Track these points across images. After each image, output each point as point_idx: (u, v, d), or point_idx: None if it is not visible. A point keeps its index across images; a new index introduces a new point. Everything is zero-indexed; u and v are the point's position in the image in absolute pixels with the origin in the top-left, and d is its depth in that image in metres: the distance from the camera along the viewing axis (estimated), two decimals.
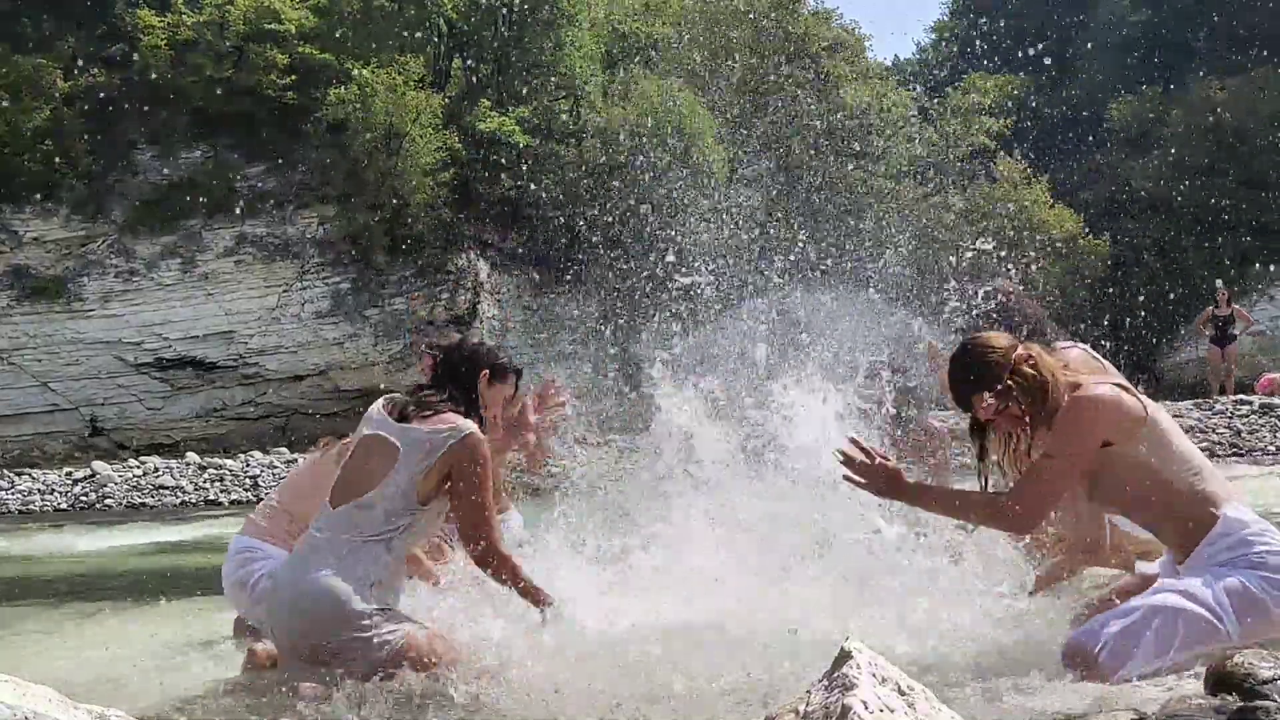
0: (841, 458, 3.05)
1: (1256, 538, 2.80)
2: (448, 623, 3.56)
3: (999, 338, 3.04)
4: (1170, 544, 2.97)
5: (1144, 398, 2.91)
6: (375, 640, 2.96)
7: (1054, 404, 2.92)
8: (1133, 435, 2.84)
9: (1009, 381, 2.92)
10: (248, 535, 4.25)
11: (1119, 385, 2.90)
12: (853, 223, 30.75)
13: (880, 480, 3.03)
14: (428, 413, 3.20)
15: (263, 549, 4.09)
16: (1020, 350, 2.96)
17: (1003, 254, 27.50)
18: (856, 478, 3.05)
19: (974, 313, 4.19)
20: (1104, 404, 2.85)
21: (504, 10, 28.66)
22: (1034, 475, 2.90)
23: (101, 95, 24.21)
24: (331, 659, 2.95)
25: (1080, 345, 3.87)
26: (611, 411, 26.08)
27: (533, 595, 3.28)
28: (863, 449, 3.05)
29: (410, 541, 3.18)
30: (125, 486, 17.22)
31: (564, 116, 29.82)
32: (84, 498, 16.88)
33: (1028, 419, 2.96)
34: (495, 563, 3.21)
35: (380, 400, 3.36)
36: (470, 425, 3.19)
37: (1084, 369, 3.64)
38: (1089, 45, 39.42)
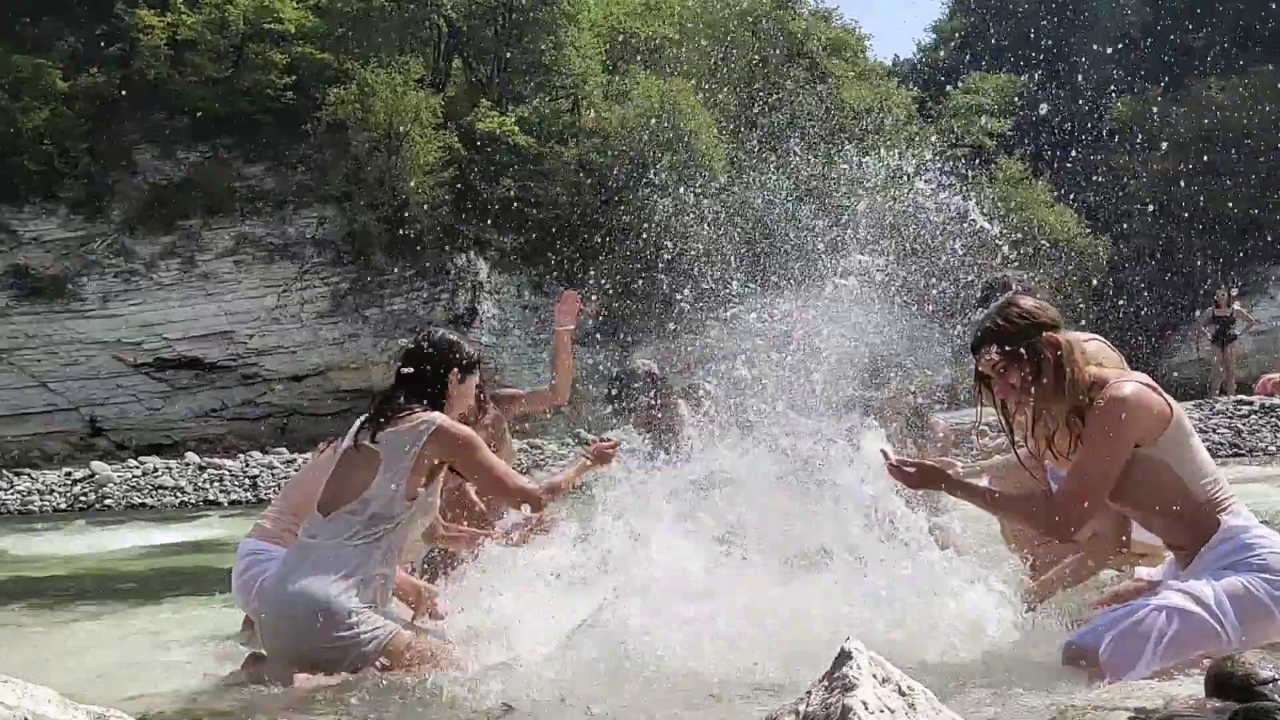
0: (883, 459, 3.08)
1: (1257, 541, 2.80)
2: (445, 622, 3.56)
3: (1043, 309, 2.98)
4: (1175, 548, 2.96)
5: (1169, 397, 2.88)
6: (362, 637, 2.98)
7: (1071, 399, 2.89)
8: (1156, 437, 2.83)
9: (1022, 350, 2.90)
10: (255, 538, 4.25)
11: (1145, 384, 2.87)
12: (852, 224, 30.75)
13: (920, 475, 3.04)
14: (402, 414, 3.30)
15: (269, 551, 4.10)
16: (1056, 334, 2.91)
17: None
18: (898, 475, 3.07)
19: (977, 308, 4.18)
20: (1132, 404, 2.82)
21: (504, 10, 28.67)
22: (1072, 482, 2.87)
23: (101, 95, 24.23)
24: (320, 661, 2.96)
25: (1098, 338, 3.82)
26: (610, 411, 26.06)
27: (572, 482, 3.72)
28: (895, 458, 3.08)
29: (399, 541, 3.18)
30: (124, 487, 17.23)
31: (564, 116, 29.82)
32: (83, 498, 16.88)
33: (1029, 394, 2.93)
34: (537, 502, 3.46)
35: (359, 419, 3.49)
36: (437, 415, 3.32)
37: (1107, 362, 3.65)
38: (1089, 45, 39.42)
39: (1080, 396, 2.86)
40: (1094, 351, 3.55)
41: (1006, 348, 2.91)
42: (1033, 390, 2.90)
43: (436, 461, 3.27)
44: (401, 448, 3.19)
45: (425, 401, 3.34)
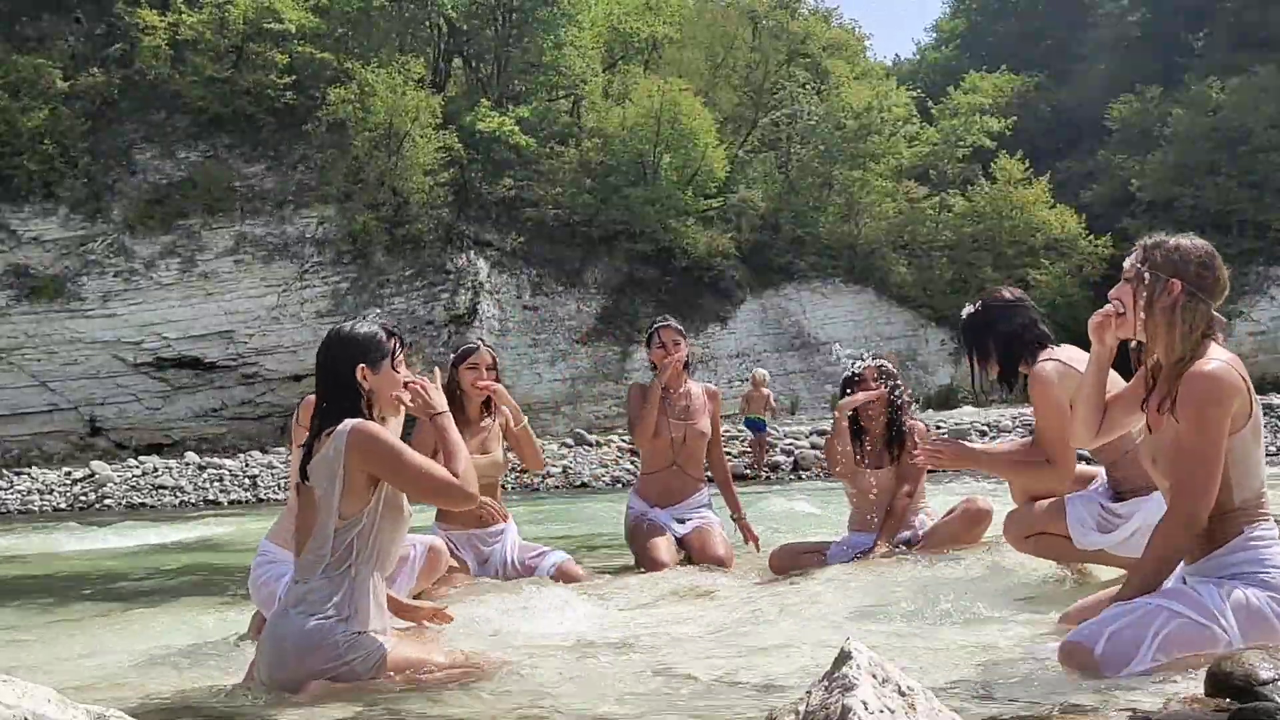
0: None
1: (1270, 557, 2.77)
2: (444, 630, 3.56)
3: (1195, 263, 2.93)
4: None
5: (1250, 389, 2.84)
6: (354, 664, 2.97)
7: (1166, 352, 2.90)
8: (1231, 430, 2.80)
9: (1146, 275, 2.93)
10: (268, 538, 4.28)
11: (1238, 370, 2.84)
12: (853, 223, 30.77)
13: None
14: (324, 441, 3.09)
15: (273, 553, 4.12)
16: (1184, 289, 2.89)
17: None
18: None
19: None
20: (1225, 383, 2.79)
21: (504, 10, 28.67)
22: (1181, 473, 2.83)
23: (101, 95, 24.23)
24: (315, 681, 2.97)
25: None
26: (611, 411, 26.12)
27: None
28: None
29: (376, 552, 3.09)
30: (124, 486, 17.23)
31: (564, 116, 29.82)
32: (83, 497, 16.89)
33: (1137, 315, 2.94)
34: (470, 496, 3.12)
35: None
36: (349, 421, 3.03)
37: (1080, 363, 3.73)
38: (1089, 45, 39.41)
39: (1180, 353, 2.87)
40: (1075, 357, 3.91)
41: (1141, 265, 2.94)
42: (1142, 314, 2.92)
43: (366, 469, 3.00)
44: (325, 479, 3.02)
45: (343, 415, 3.06)
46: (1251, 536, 2.79)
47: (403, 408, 3.27)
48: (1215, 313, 2.93)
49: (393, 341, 3.19)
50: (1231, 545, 2.79)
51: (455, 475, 3.06)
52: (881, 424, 5.22)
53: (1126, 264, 3.00)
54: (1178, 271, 2.90)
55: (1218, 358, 2.83)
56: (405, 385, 3.19)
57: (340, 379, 3.12)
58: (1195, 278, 2.90)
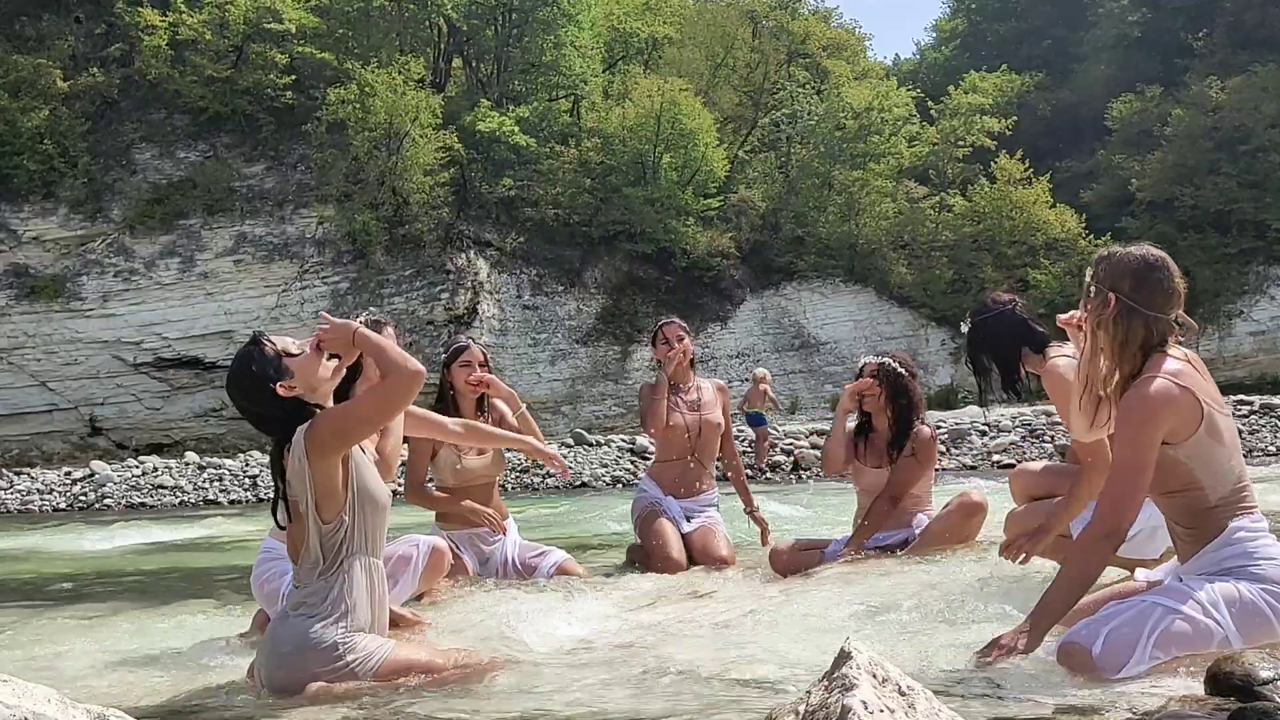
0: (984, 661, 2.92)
1: (1260, 549, 2.79)
2: (447, 631, 3.57)
3: (1139, 279, 2.92)
4: (1179, 543, 2.96)
5: (1205, 399, 2.85)
6: (354, 666, 2.97)
7: (1112, 364, 2.91)
8: (1179, 438, 2.81)
9: (1093, 289, 2.93)
10: (272, 535, 4.28)
11: (1179, 384, 2.83)
12: (853, 223, 30.76)
13: (1018, 648, 2.88)
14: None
15: (277, 549, 4.13)
16: (1124, 301, 2.87)
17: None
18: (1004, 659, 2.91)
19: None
20: (1157, 401, 2.80)
21: (504, 10, 28.66)
22: (1108, 488, 2.88)
23: (101, 95, 24.24)
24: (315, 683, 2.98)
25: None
26: (611, 411, 26.07)
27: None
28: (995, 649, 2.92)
29: (366, 543, 3.10)
30: (124, 486, 17.22)
31: (564, 116, 29.82)
32: (83, 497, 16.87)
33: (1090, 331, 2.96)
34: (415, 372, 3.04)
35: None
36: (297, 431, 3.06)
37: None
38: (1089, 45, 39.39)
39: (1125, 365, 2.88)
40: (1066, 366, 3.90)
41: (1089, 278, 2.96)
42: (1094, 330, 2.93)
43: (333, 460, 3.03)
44: (301, 491, 3.04)
45: (292, 423, 3.08)
46: (1236, 530, 2.81)
47: (338, 375, 3.23)
48: (1184, 318, 2.93)
49: (268, 345, 3.17)
50: (1218, 541, 2.81)
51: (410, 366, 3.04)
52: (886, 423, 5.20)
53: (1091, 279, 3.01)
54: (1114, 285, 2.91)
55: (1159, 372, 2.83)
56: (317, 343, 3.17)
57: (270, 408, 3.12)
58: (1129, 290, 2.90)
